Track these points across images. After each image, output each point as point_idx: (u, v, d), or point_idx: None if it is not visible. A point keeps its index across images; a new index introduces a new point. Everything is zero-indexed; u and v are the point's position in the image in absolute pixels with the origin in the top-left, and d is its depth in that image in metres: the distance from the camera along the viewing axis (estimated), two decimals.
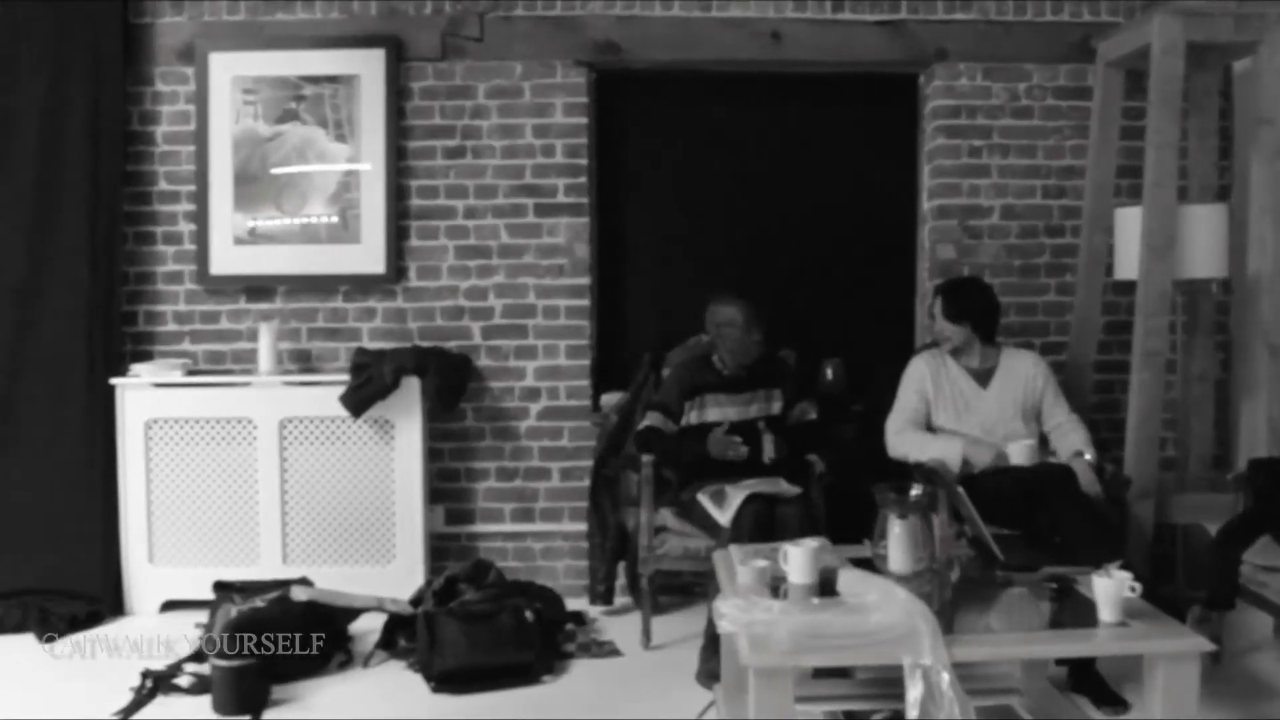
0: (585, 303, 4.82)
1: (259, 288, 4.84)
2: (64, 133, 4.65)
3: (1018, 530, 3.55)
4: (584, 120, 4.79)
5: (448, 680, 3.73)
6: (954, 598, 2.81)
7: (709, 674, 3.66)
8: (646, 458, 4.15)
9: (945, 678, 2.51)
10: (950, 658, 2.53)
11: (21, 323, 4.63)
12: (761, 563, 2.94)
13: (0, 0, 4.61)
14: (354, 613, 4.12)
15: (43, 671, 3.99)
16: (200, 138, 4.78)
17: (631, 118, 5.02)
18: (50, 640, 4.29)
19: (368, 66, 4.72)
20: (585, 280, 4.81)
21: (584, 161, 4.79)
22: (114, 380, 4.59)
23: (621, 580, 4.63)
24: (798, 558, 2.80)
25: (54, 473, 4.60)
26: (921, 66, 4.90)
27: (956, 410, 4.02)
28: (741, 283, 4.57)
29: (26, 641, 4.30)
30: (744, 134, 5.02)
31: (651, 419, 4.27)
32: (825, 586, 2.80)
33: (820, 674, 3.43)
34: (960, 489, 3.08)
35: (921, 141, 5.00)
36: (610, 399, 4.70)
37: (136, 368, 4.65)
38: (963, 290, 4.11)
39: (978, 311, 4.05)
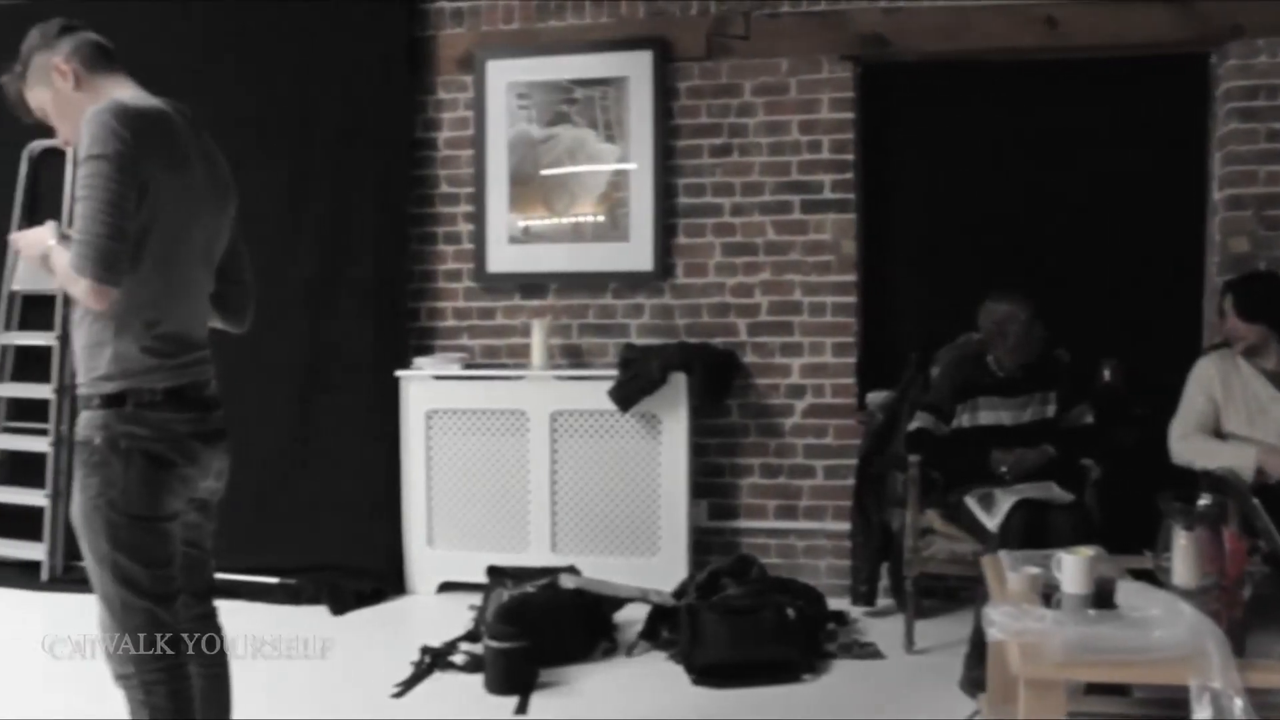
0: (851, 299, 4.76)
1: (532, 285, 5.02)
2: (354, 140, 4.99)
3: None
4: (850, 115, 4.73)
5: (708, 673, 3.75)
6: (1246, 617, 2.61)
7: (973, 682, 3.54)
8: (914, 458, 4.05)
9: (1238, 704, 2.33)
10: (1243, 682, 2.36)
11: (315, 318, 4.98)
12: (1034, 570, 2.82)
13: (297, 20, 4.97)
14: (619, 602, 4.22)
15: (333, 641, 4.26)
16: (478, 142, 5.01)
17: (898, 111, 4.92)
18: (340, 613, 4.60)
19: (636, 68, 4.82)
20: (851, 277, 4.76)
21: (850, 157, 4.73)
22: (399, 373, 4.86)
23: (884, 581, 4.54)
24: (1073, 566, 2.67)
25: (345, 459, 4.93)
26: (1213, 45, 4.59)
27: (1249, 415, 3.74)
28: (1013, 278, 4.39)
29: (320, 613, 4.62)
30: (1015, 124, 4.82)
31: (922, 420, 4.15)
32: (1102, 598, 2.65)
33: (1093, 689, 3.26)
34: (1255, 500, 2.87)
35: (1212, 126, 4.67)
36: (876, 397, 4.62)
37: (419, 361, 4.92)
38: (1258, 286, 3.82)
39: (1275, 309, 3.76)
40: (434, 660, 3.92)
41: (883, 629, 4.29)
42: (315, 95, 5.05)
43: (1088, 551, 2.74)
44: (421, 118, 5.10)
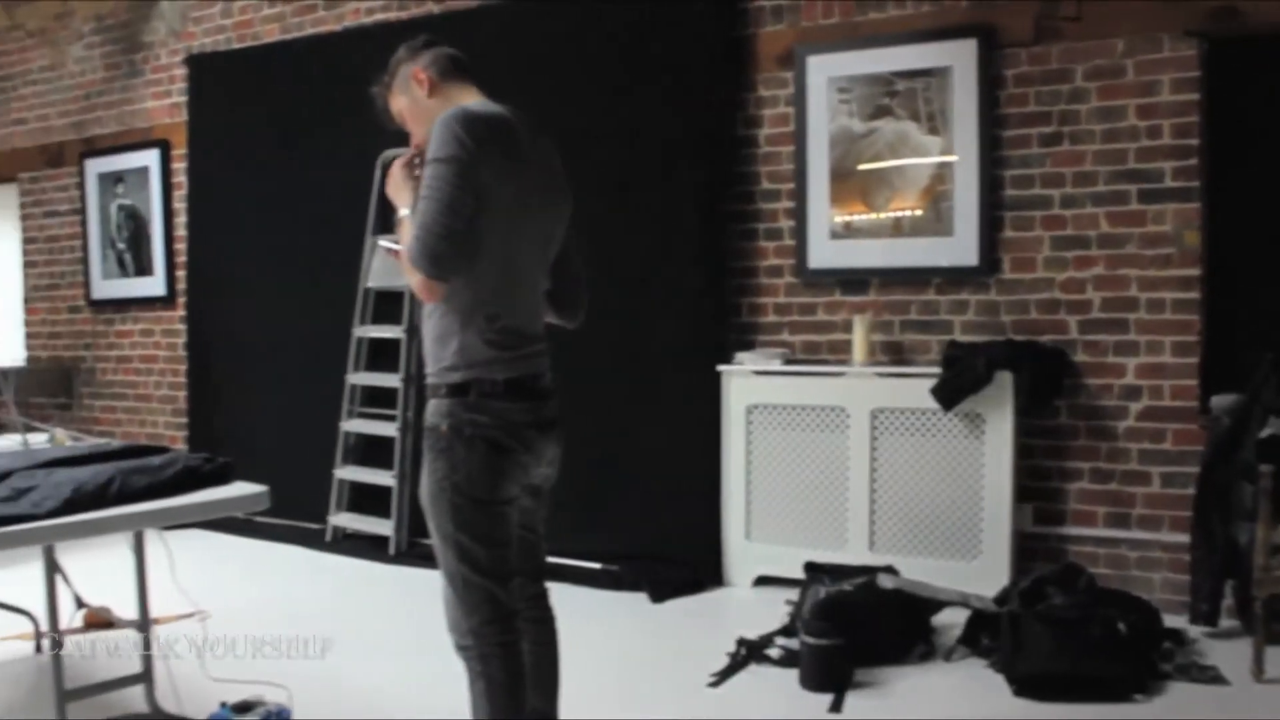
0: (1194, 295, 4.42)
1: (853, 281, 4.99)
2: (676, 140, 5.13)
3: None
4: (1195, 96, 4.38)
5: (1031, 685, 3.62)
6: None
7: None
8: (1265, 468, 3.74)
9: None
10: None
11: (640, 314, 5.16)
12: None
13: (620, 26, 5.15)
14: (937, 605, 4.14)
15: (651, 628, 4.43)
16: (799, 138, 5.02)
17: (1249, 91, 4.52)
18: (659, 601, 4.77)
19: (959, 57, 4.68)
20: (1194, 271, 4.42)
21: (1194, 142, 4.39)
22: (720, 368, 4.97)
23: (1229, 600, 4.21)
24: None
25: (667, 451, 5.09)
26: None
27: None
28: None
29: (639, 599, 4.81)
30: None
31: (1276, 427, 3.83)
32: None
33: None
34: None
35: None
36: (1222, 401, 4.27)
37: (740, 356, 5.00)
38: None
39: None
40: (750, 653, 3.99)
41: (1226, 652, 3.97)
42: (638, 97, 5.23)
43: None
44: (742, 115, 5.16)
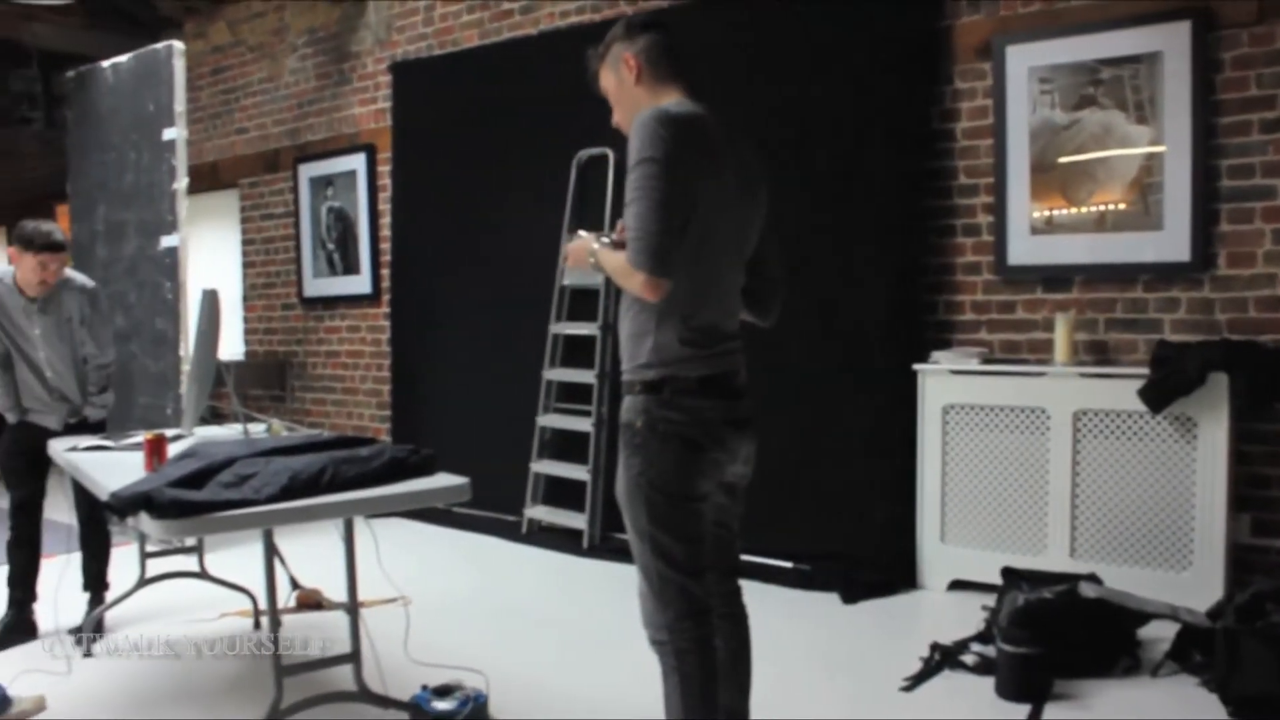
0: None
1: (1054, 277, 4.82)
2: (870, 135, 5.05)
3: None
4: None
5: (1249, 707, 3.41)
6: None
7: None
8: None
9: None
10: None
11: (833, 311, 5.10)
12: None
13: (813, 22, 5.10)
14: (1143, 617, 3.95)
15: (843, 629, 4.37)
16: (998, 131, 4.88)
17: None
18: (851, 602, 4.71)
19: (1171, 41, 4.46)
20: None
21: None
22: (915, 366, 4.86)
23: None
24: None
25: (860, 450, 5.02)
26: None
27: None
28: None
29: (830, 599, 4.76)
30: None
31: None
32: None
33: None
34: None
35: None
36: None
37: (936, 355, 4.88)
38: None
39: None
40: (944, 658, 3.91)
41: None
42: (830, 92, 5.16)
43: None
44: (938, 109, 5.04)
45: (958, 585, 4.78)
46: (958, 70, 4.99)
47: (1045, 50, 4.73)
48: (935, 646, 3.96)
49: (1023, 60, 4.79)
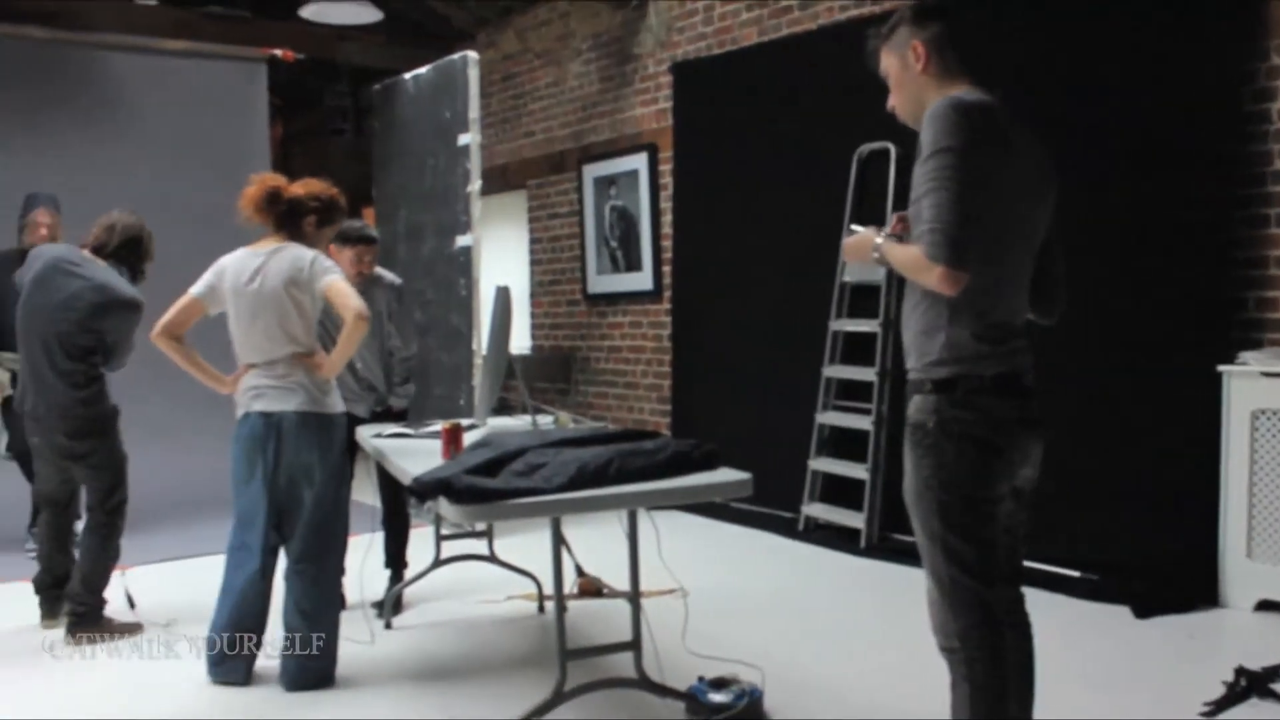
0: None
1: None
2: (1174, 117, 4.72)
3: None
4: None
5: None
6: None
7: None
8: None
9: None
10: None
11: (1125, 309, 4.83)
12: None
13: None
14: None
15: (1134, 645, 4.12)
16: None
17: None
18: (1144, 617, 4.42)
19: None
20: None
21: None
22: (1221, 368, 4.54)
23: None
24: None
25: (1156, 456, 4.72)
26: None
27: None
28: None
29: (1120, 613, 4.48)
30: None
31: None
32: None
33: None
34: None
35: None
36: None
37: (1245, 356, 4.53)
38: None
39: None
40: (1251, 684, 3.61)
41: None
42: (1129, 73, 4.86)
43: None
44: (1250, 88, 4.67)
45: (1266, 606, 4.42)
46: (1274, 45, 4.60)
47: None
48: (1241, 671, 3.67)
49: None
